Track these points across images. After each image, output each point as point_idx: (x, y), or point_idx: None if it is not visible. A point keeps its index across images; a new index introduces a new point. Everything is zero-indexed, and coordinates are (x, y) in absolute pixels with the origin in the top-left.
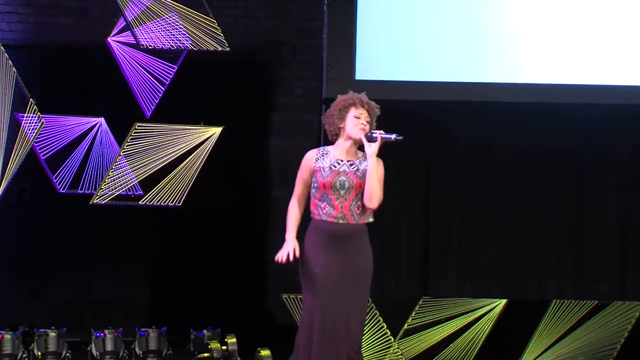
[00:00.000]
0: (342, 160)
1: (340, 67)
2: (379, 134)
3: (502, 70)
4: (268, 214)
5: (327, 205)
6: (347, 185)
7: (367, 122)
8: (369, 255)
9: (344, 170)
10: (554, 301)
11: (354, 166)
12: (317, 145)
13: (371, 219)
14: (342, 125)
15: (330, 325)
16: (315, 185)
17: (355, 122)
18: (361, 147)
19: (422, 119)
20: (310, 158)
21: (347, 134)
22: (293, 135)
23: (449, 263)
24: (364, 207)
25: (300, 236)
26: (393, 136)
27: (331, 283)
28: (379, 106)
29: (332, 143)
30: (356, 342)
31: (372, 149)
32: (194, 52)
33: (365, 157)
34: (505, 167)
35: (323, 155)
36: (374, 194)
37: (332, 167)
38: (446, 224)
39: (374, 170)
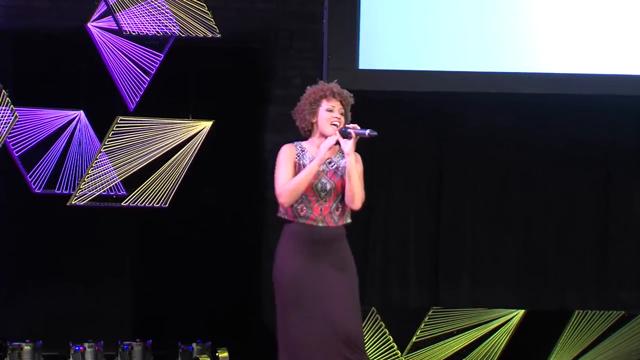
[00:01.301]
0: None
1: (342, 55)
2: (352, 129)
3: (521, 58)
4: (263, 216)
5: (305, 208)
6: (328, 187)
7: (341, 113)
8: (351, 259)
9: (324, 170)
10: (576, 312)
11: (332, 164)
12: None
13: (349, 220)
14: (314, 120)
15: (320, 336)
16: None
17: (328, 116)
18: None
19: (432, 112)
20: (292, 151)
21: (320, 131)
22: (290, 130)
23: (461, 269)
24: (343, 209)
25: (271, 243)
26: (367, 132)
27: (314, 291)
28: (352, 95)
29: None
30: (356, 345)
31: (348, 146)
32: (182, 39)
33: (342, 153)
34: (524, 165)
35: (302, 152)
36: (356, 195)
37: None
38: (459, 227)
39: (354, 170)
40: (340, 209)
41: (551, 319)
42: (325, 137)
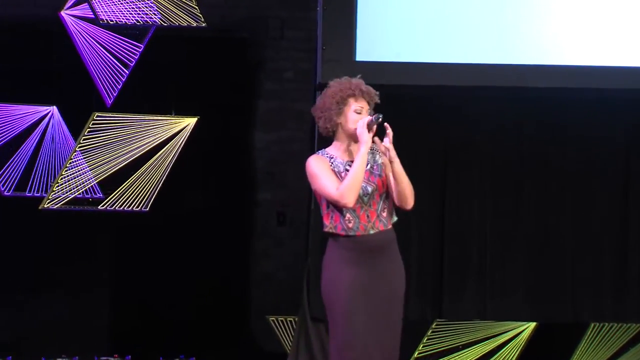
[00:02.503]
0: (351, 162)
1: (337, 46)
2: (369, 121)
3: (533, 49)
4: (252, 220)
5: (352, 218)
6: (369, 189)
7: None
8: (402, 266)
9: None
10: (592, 325)
11: (367, 165)
12: (311, 138)
13: (396, 217)
14: (340, 121)
15: (365, 353)
16: None
17: (356, 118)
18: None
19: (436, 108)
20: (324, 160)
21: (347, 133)
22: (282, 127)
23: (467, 279)
24: (389, 208)
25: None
26: (374, 118)
27: (366, 305)
28: (378, 93)
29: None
30: None
31: (384, 144)
32: (163, 29)
33: (371, 151)
34: (536, 166)
35: (332, 160)
36: (409, 195)
37: (347, 170)
38: (465, 232)
39: (402, 169)
40: (386, 210)
41: (565, 332)
42: (354, 139)
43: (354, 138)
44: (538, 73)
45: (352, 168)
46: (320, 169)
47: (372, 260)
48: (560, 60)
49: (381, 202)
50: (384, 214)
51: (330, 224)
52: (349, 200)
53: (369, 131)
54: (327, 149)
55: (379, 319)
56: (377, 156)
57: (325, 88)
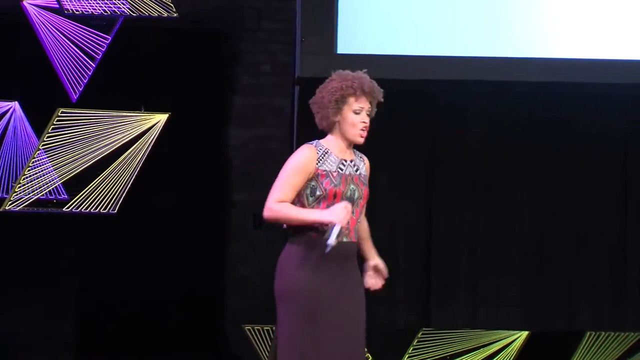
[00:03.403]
0: (346, 161)
1: (318, 38)
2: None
3: (526, 41)
4: (227, 223)
5: None
6: (356, 195)
7: (368, 114)
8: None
9: (350, 174)
10: (589, 333)
11: (356, 168)
12: (289, 135)
13: None
14: (337, 120)
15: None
16: (318, 193)
17: (356, 120)
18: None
19: (423, 104)
20: (311, 158)
21: (343, 133)
22: (259, 123)
23: (456, 285)
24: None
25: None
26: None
27: (335, 314)
28: (382, 90)
29: (322, 133)
30: None
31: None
32: (132, 19)
33: (359, 157)
34: (531, 164)
35: (325, 154)
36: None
37: (340, 170)
38: (454, 235)
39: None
40: (360, 223)
41: (560, 341)
42: (348, 141)
43: (348, 141)
44: (531, 67)
45: (301, 212)
46: (294, 169)
47: (339, 269)
48: (554, 53)
49: (362, 213)
50: (359, 225)
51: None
52: (267, 218)
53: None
54: (321, 141)
55: (347, 331)
56: (362, 166)
57: (327, 80)
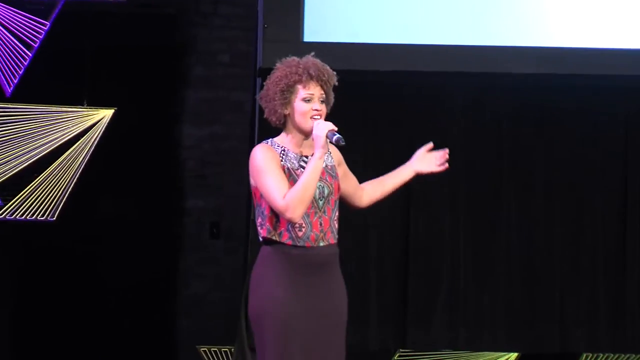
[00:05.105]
0: (307, 156)
1: (282, 24)
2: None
3: (515, 29)
4: (180, 232)
5: (304, 224)
6: (326, 192)
7: (322, 101)
8: (345, 287)
9: None
10: (584, 355)
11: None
12: (251, 134)
13: None
14: (287, 113)
15: None
16: None
17: (306, 108)
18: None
19: (400, 97)
20: (274, 154)
21: (297, 126)
22: (215, 120)
23: (436, 302)
24: (338, 218)
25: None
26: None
27: (306, 331)
28: (335, 73)
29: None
30: None
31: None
32: (74, 3)
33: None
34: (518, 166)
35: (284, 152)
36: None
37: (302, 167)
38: (433, 248)
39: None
40: (337, 220)
41: None
42: (304, 133)
43: (304, 133)
44: (519, 57)
45: (303, 175)
46: (268, 164)
47: (317, 279)
48: (544, 42)
49: (335, 210)
50: (336, 224)
51: (273, 229)
52: (296, 214)
53: (335, 144)
54: (275, 139)
55: (322, 349)
56: (328, 156)
57: (272, 71)
